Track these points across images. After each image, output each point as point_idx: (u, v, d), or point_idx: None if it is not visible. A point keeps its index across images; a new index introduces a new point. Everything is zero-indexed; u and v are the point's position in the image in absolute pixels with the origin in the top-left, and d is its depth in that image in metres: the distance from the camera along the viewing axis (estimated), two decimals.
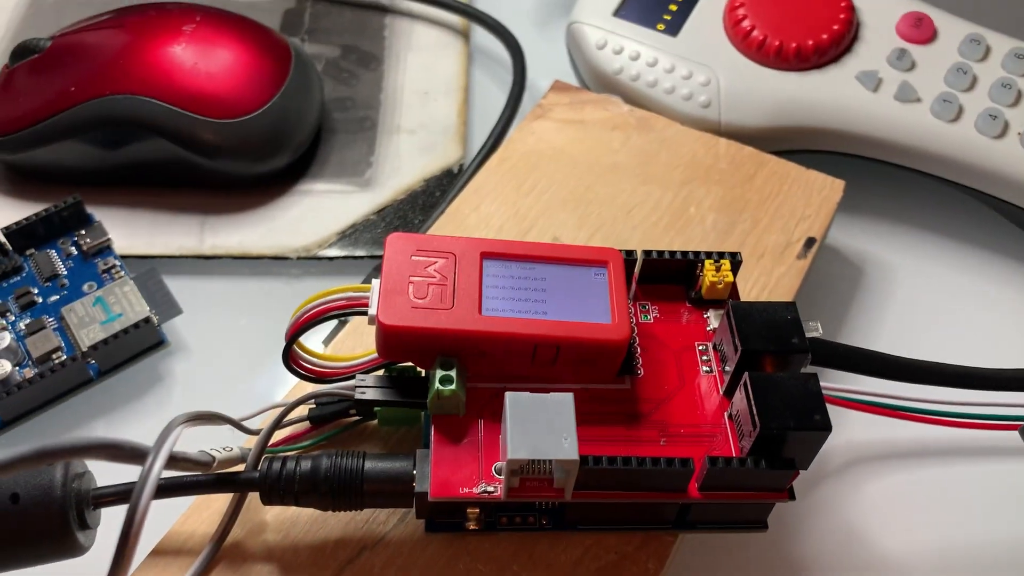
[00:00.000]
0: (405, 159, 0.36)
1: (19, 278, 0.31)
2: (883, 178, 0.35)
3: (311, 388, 0.24)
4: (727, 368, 0.23)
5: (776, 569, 0.26)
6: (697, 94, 0.33)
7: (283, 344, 0.23)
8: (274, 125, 0.33)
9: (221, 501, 0.23)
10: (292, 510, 0.23)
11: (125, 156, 0.33)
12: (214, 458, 0.21)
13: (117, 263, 0.31)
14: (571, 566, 0.23)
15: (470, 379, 0.23)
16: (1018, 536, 0.26)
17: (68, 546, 0.21)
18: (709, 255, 0.25)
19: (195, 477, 0.22)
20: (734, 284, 0.25)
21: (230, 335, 0.31)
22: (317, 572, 0.22)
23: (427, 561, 0.23)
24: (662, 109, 0.34)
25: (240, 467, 0.23)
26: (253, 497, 0.23)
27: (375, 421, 0.25)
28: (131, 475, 0.20)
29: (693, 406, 0.23)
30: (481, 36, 0.41)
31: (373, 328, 0.22)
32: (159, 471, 0.18)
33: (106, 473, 0.22)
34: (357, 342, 0.27)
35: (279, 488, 0.22)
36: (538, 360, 0.23)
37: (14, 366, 0.28)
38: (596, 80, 0.35)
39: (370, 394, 0.23)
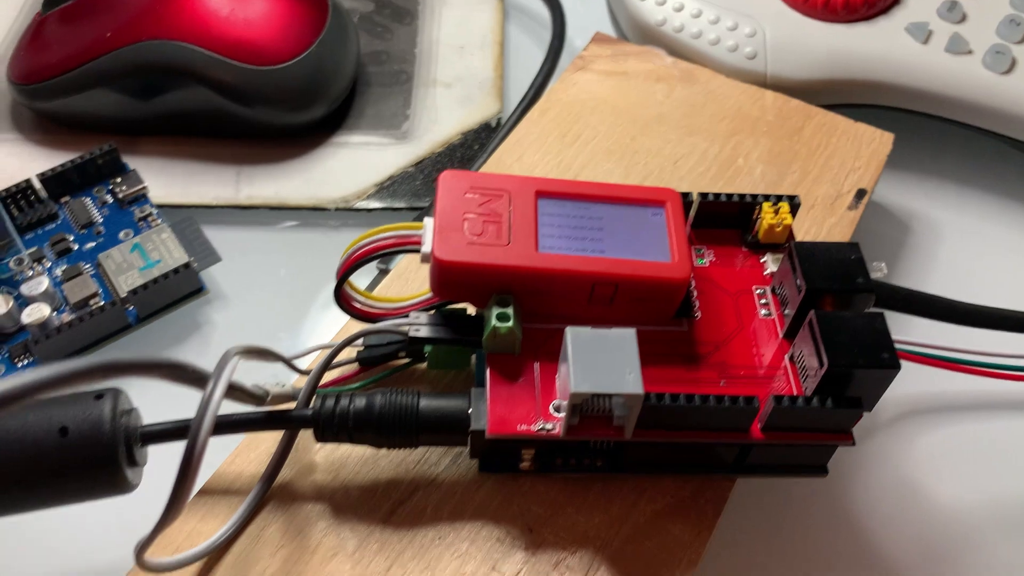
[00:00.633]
0: (442, 112, 0.35)
1: (54, 225, 0.30)
2: (930, 134, 0.35)
3: (361, 329, 0.23)
4: (787, 312, 0.23)
5: (833, 519, 0.25)
6: (743, 45, 0.33)
7: (328, 290, 0.22)
8: (311, 74, 0.32)
9: (269, 442, 0.23)
10: (342, 451, 0.23)
11: (160, 104, 0.33)
12: (268, 392, 0.21)
13: (153, 211, 0.31)
14: (626, 509, 0.22)
15: (524, 320, 0.22)
16: None
17: (117, 482, 0.21)
18: (767, 198, 0.24)
19: (247, 415, 0.21)
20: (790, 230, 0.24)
21: (269, 285, 0.31)
22: (369, 512, 0.22)
23: (480, 502, 0.22)
24: (706, 61, 0.33)
25: (290, 405, 0.22)
26: (302, 438, 0.23)
27: (424, 364, 0.24)
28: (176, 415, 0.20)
29: (752, 349, 0.23)
30: None
31: (416, 275, 0.21)
32: (220, 396, 0.17)
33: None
34: (402, 289, 0.27)
35: (333, 425, 0.21)
36: (595, 299, 0.22)
37: (52, 310, 0.28)
38: (638, 32, 0.35)
39: (424, 331, 0.22)
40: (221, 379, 0.17)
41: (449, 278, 0.21)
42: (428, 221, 0.22)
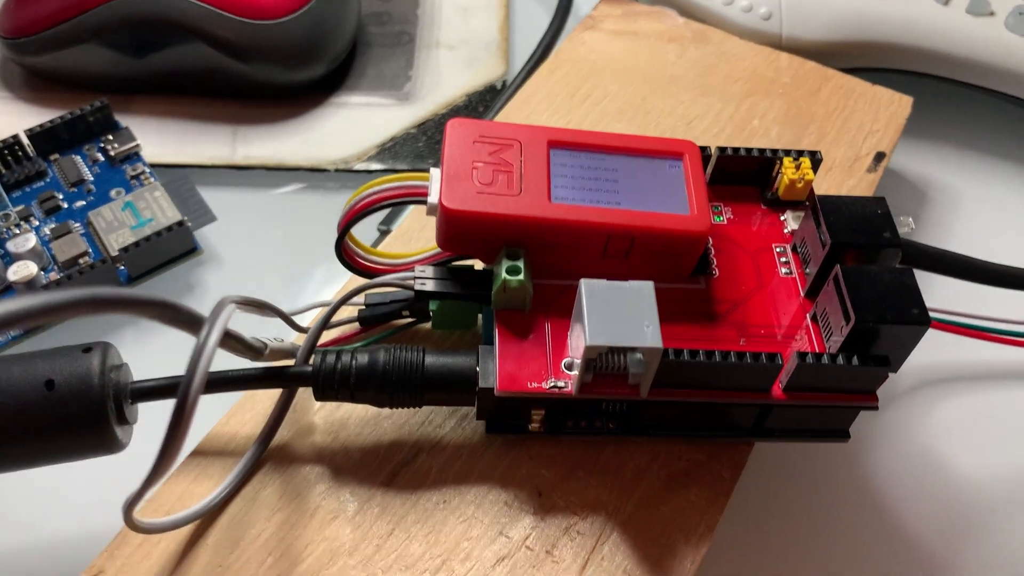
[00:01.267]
0: (445, 74, 0.34)
1: (43, 183, 0.29)
2: (947, 100, 0.34)
3: (363, 284, 0.22)
4: (809, 270, 0.22)
5: (852, 487, 0.24)
6: (757, 6, 0.32)
7: (327, 254, 0.21)
8: (310, 29, 0.31)
9: (266, 401, 0.22)
10: (342, 412, 0.22)
11: (154, 61, 0.31)
12: (266, 345, 0.20)
13: (146, 169, 0.30)
14: (639, 474, 0.21)
15: (534, 276, 0.21)
16: None
17: (106, 440, 0.20)
18: (787, 153, 0.23)
19: (243, 371, 0.20)
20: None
21: (265, 246, 0.30)
22: (371, 474, 0.21)
23: (487, 465, 0.21)
24: (719, 22, 0.32)
25: (289, 363, 0.21)
26: (300, 398, 0.22)
27: (428, 324, 0.23)
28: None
29: (772, 307, 0.22)
30: None
31: (419, 235, 0.20)
32: (216, 341, 0.16)
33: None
34: (404, 250, 0.26)
35: (334, 382, 0.20)
36: (609, 254, 0.21)
37: (40, 269, 0.27)
38: None
39: (430, 285, 0.21)
40: (217, 323, 0.16)
41: (458, 229, 0.20)
42: (435, 171, 0.21)
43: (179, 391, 0.16)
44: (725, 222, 0.23)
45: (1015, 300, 0.26)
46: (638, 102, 0.30)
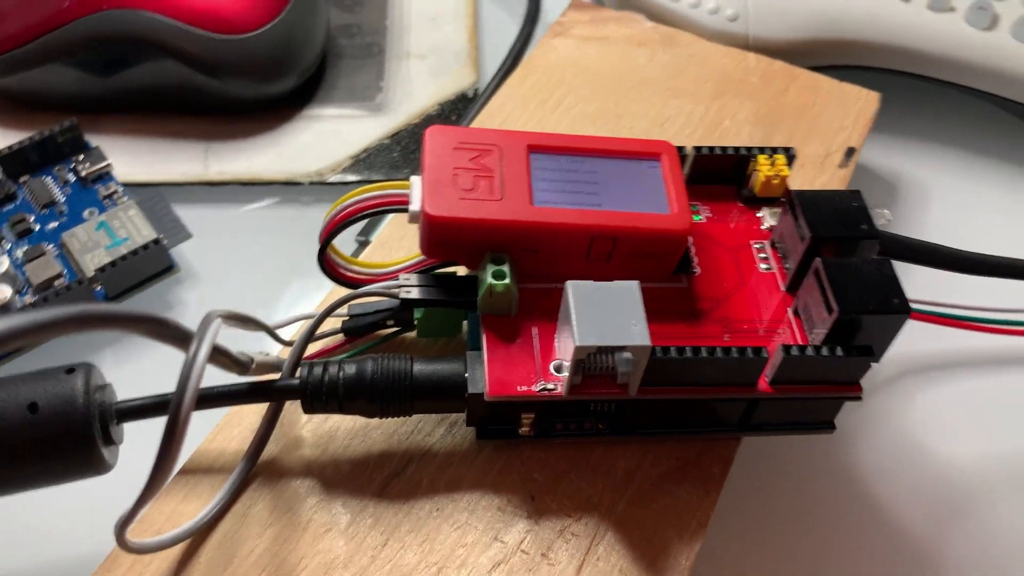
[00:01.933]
0: (417, 84, 0.34)
1: (13, 205, 0.29)
2: (914, 96, 0.34)
3: (347, 294, 0.22)
4: (788, 265, 0.22)
5: (839, 476, 0.24)
6: (724, 7, 0.32)
7: (304, 267, 0.21)
8: (279, 43, 0.31)
9: (253, 416, 0.22)
10: (330, 424, 0.22)
11: (123, 79, 0.31)
12: (252, 359, 0.20)
13: (119, 188, 0.29)
14: (630, 473, 0.21)
15: (518, 279, 0.21)
16: None
17: (92, 461, 0.19)
18: (762, 150, 0.24)
19: (230, 386, 0.20)
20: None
21: (242, 261, 0.29)
22: (362, 486, 0.21)
23: (478, 471, 0.21)
24: (687, 25, 0.33)
25: (275, 376, 0.21)
26: (288, 412, 0.22)
27: (413, 333, 0.23)
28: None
29: (754, 303, 0.22)
30: None
31: (399, 244, 0.20)
32: (206, 355, 0.16)
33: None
34: (385, 258, 0.26)
35: (322, 394, 0.20)
36: (593, 255, 0.21)
37: (14, 292, 0.26)
38: None
39: (416, 293, 0.21)
40: (206, 337, 0.16)
41: (441, 236, 0.20)
42: (415, 179, 0.21)
43: (171, 407, 0.16)
44: (704, 221, 0.24)
45: (990, 289, 0.26)
46: (611, 106, 0.30)
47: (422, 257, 0.23)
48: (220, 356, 0.18)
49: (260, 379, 0.21)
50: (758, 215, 0.24)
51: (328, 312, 0.21)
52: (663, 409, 0.21)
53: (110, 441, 0.20)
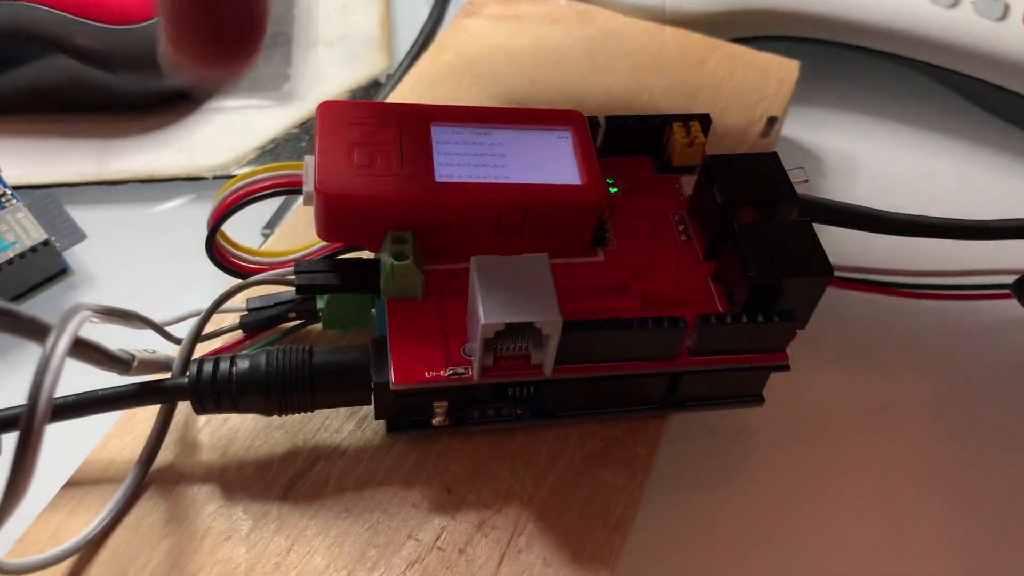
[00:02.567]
0: (326, 71, 0.32)
1: None
2: (834, 67, 0.34)
3: (237, 284, 0.21)
4: (707, 232, 0.21)
5: (778, 442, 0.24)
6: None
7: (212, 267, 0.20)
8: None
9: (145, 421, 0.20)
10: (229, 425, 0.20)
11: (9, 79, 0.29)
12: (134, 356, 0.18)
13: (7, 191, 0.27)
14: (553, 458, 0.20)
15: (427, 261, 0.20)
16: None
17: None
18: (677, 118, 0.23)
19: (112, 389, 0.19)
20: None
21: (144, 263, 0.28)
22: (264, 489, 0.19)
23: (390, 466, 0.20)
24: (602, 0, 0.32)
25: (166, 376, 0.19)
26: (185, 415, 0.20)
27: (319, 325, 0.22)
28: None
29: (673, 274, 0.21)
30: None
31: (306, 233, 0.19)
32: (63, 351, 0.14)
33: None
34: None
35: (214, 393, 0.19)
36: (503, 230, 0.20)
37: None
38: None
39: (311, 279, 0.20)
40: (67, 330, 0.14)
41: (336, 215, 0.19)
42: (308, 159, 0.20)
43: (24, 409, 0.14)
44: (620, 192, 0.23)
45: (917, 250, 0.26)
46: (527, 84, 0.29)
47: (324, 244, 0.21)
48: (91, 352, 0.16)
49: (147, 379, 0.19)
50: (676, 185, 0.23)
51: (217, 305, 0.20)
52: (584, 389, 0.20)
53: None
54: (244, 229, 0.26)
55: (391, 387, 0.18)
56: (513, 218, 0.20)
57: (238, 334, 0.22)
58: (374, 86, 0.32)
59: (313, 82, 0.32)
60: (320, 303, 0.21)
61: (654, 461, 0.21)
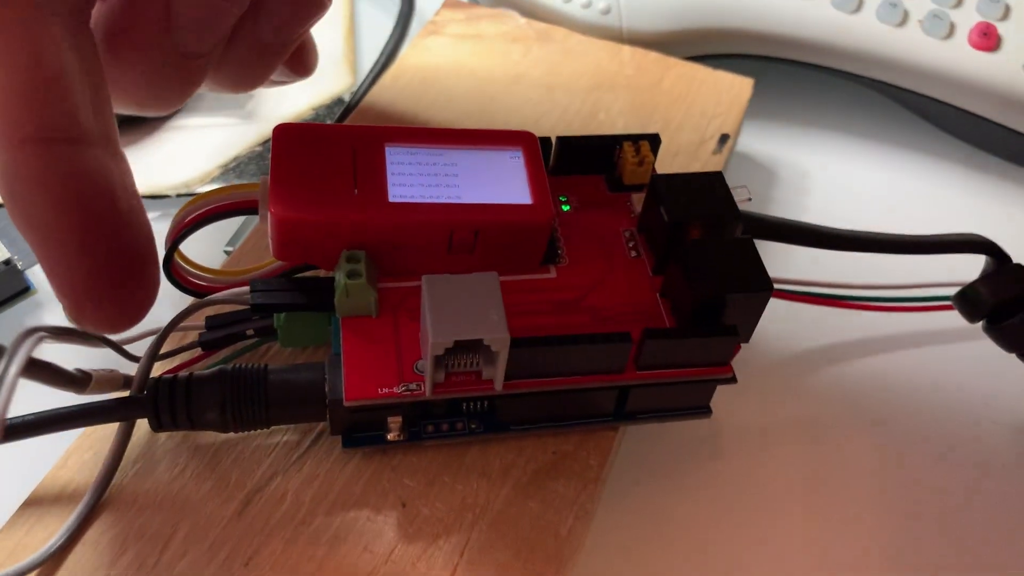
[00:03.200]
0: (291, 89, 0.33)
1: None
2: (788, 83, 0.35)
3: (194, 302, 0.21)
4: (655, 250, 0.22)
5: (721, 458, 0.24)
6: (596, 1, 0.32)
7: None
8: None
9: (104, 439, 0.21)
10: (188, 442, 0.21)
11: None
12: (91, 376, 0.18)
13: None
14: (505, 471, 0.21)
15: (381, 279, 0.21)
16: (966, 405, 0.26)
17: None
18: (627, 138, 0.23)
19: (67, 408, 0.19)
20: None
21: None
22: (221, 505, 0.20)
23: (346, 482, 0.20)
24: (560, 20, 0.32)
25: (124, 394, 0.20)
26: (141, 434, 0.21)
27: (277, 342, 0.22)
28: None
29: (623, 290, 0.21)
30: None
31: (267, 253, 0.19)
32: (16, 373, 0.15)
33: None
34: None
35: (171, 410, 0.19)
36: (455, 248, 0.21)
37: None
38: None
39: (267, 298, 0.20)
40: (18, 353, 0.15)
41: (291, 236, 0.20)
42: (265, 179, 0.20)
43: None
44: (573, 210, 0.23)
45: (871, 264, 0.26)
46: (486, 102, 0.29)
47: (281, 263, 0.22)
48: (45, 373, 0.17)
49: (104, 398, 0.19)
50: (627, 203, 0.23)
51: (174, 324, 0.20)
52: (536, 403, 0.20)
53: None
54: (207, 246, 0.27)
55: (344, 404, 0.19)
56: (465, 237, 0.20)
57: (196, 351, 0.22)
58: (338, 104, 0.33)
59: (277, 101, 0.32)
60: (277, 321, 0.21)
61: (606, 472, 0.21)
